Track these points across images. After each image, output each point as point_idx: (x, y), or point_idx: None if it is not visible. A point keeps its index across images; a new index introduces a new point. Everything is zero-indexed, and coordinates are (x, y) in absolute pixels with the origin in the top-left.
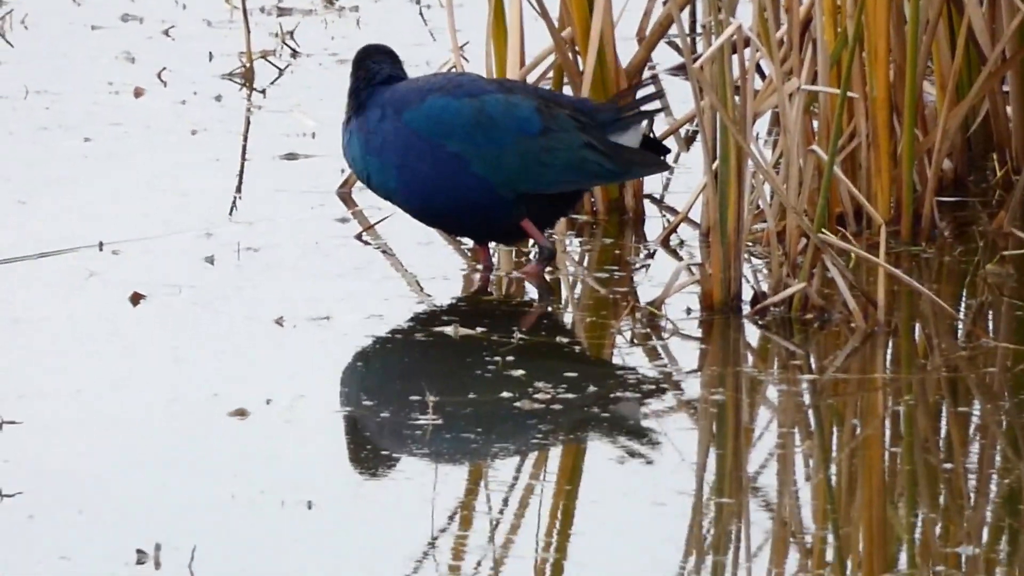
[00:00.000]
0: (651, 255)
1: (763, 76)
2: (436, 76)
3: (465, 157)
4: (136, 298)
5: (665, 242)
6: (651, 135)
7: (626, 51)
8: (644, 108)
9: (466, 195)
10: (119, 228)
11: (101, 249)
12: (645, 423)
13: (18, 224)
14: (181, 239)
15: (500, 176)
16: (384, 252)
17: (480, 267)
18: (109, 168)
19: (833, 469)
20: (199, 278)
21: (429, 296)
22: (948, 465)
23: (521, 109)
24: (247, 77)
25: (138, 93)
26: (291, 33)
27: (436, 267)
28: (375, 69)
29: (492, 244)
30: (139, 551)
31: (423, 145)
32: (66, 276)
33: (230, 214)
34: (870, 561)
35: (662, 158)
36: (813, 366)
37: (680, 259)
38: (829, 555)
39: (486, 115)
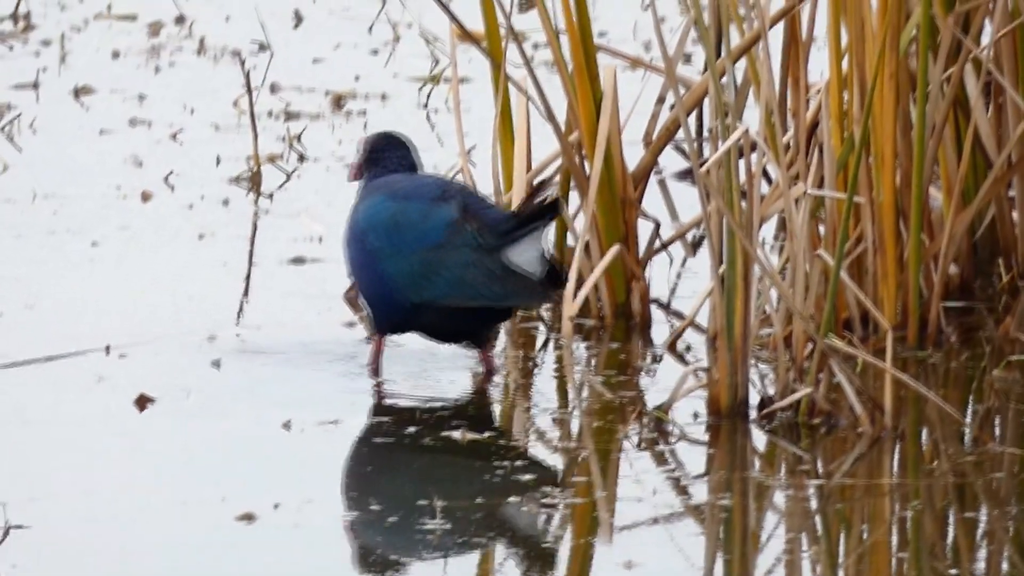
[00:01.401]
0: (657, 360)
1: (770, 180)
2: (411, 177)
3: (379, 255)
4: (142, 402)
5: (672, 347)
6: (553, 263)
7: (633, 155)
8: (534, 223)
9: (381, 291)
10: (127, 332)
11: (108, 353)
12: (653, 528)
13: (26, 327)
14: (188, 343)
15: (402, 280)
16: (388, 357)
17: (482, 370)
18: (117, 272)
19: (840, 575)
20: (206, 382)
21: (437, 401)
22: (955, 571)
23: (434, 220)
24: (254, 181)
25: (146, 197)
26: (298, 137)
27: (444, 370)
28: (382, 162)
29: (498, 348)
30: None
31: (357, 235)
32: (74, 379)
33: (237, 318)
34: None
35: (547, 289)
36: (820, 471)
37: (687, 364)
38: None
39: (399, 219)
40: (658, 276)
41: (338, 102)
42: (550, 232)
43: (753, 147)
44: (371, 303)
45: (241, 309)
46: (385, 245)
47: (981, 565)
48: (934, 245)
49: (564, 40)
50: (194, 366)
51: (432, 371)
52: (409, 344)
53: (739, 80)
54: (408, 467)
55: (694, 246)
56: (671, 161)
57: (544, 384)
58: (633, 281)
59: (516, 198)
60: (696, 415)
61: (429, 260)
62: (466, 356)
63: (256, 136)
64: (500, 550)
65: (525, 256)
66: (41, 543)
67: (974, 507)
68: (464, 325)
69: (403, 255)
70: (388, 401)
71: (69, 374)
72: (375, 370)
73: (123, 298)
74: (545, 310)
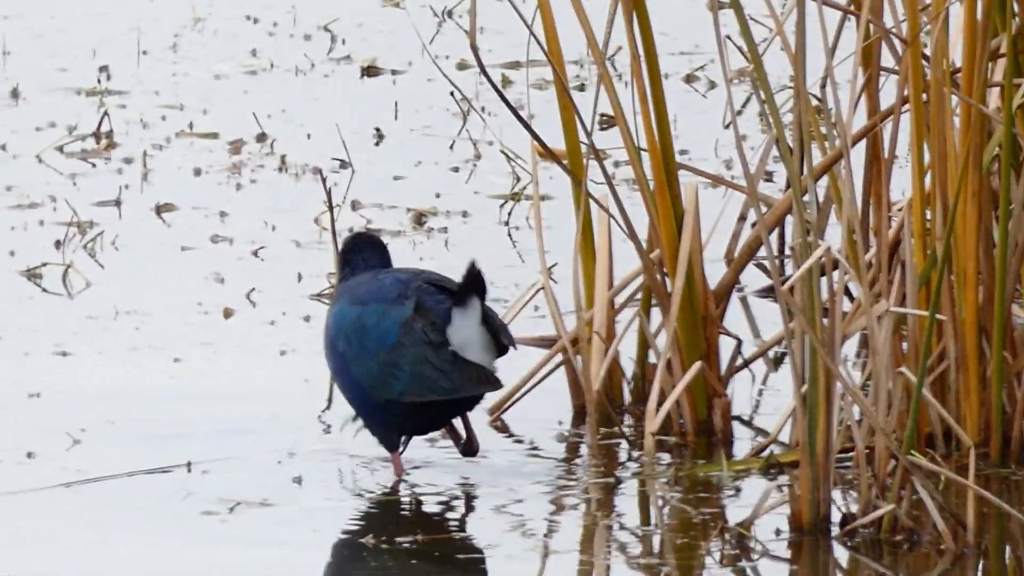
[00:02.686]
0: (740, 476)
1: (851, 298)
2: (373, 279)
3: (347, 359)
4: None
5: (758, 461)
6: (498, 337)
7: (715, 273)
8: (465, 298)
9: (353, 394)
10: (209, 447)
11: (190, 469)
12: None
13: (108, 443)
14: (270, 459)
15: (368, 381)
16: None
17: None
18: (199, 388)
19: None
20: (289, 498)
21: (521, 518)
22: None
23: (389, 320)
24: None
25: (227, 313)
26: None
27: (524, 486)
28: (357, 262)
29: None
30: None
31: (329, 342)
32: (156, 495)
33: (319, 435)
34: None
35: (495, 375)
36: None
37: (770, 479)
38: None
39: (361, 323)
40: (740, 392)
41: (419, 219)
42: (481, 313)
43: (835, 265)
44: (353, 407)
45: (323, 425)
46: (350, 349)
47: None
48: (1017, 362)
49: (645, 158)
50: (276, 482)
51: (511, 484)
52: (492, 449)
53: (821, 198)
54: None
55: (776, 363)
56: (753, 278)
57: (626, 500)
58: (715, 398)
59: (598, 316)
60: (778, 531)
61: (388, 360)
62: (545, 473)
63: (337, 252)
64: None
65: (461, 335)
66: None
67: None
68: (433, 419)
69: (366, 357)
70: (478, 514)
71: (151, 490)
72: (395, 488)
73: (205, 414)
74: (627, 426)
